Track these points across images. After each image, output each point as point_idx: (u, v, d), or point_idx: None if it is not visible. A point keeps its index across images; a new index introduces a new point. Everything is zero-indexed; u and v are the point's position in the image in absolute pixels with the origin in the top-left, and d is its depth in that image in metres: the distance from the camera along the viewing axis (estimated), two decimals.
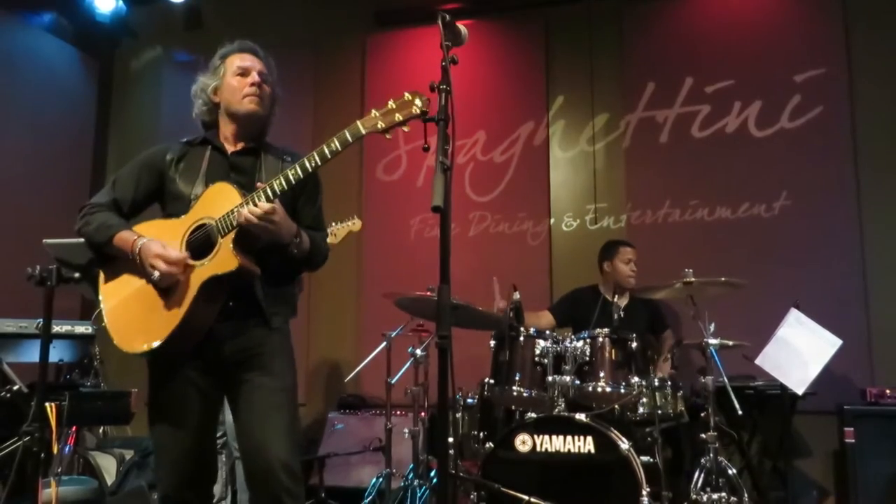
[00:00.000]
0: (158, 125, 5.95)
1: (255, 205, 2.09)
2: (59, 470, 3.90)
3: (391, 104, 2.05)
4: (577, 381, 3.42)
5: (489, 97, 5.24)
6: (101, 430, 4.93)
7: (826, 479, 4.33)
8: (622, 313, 3.59)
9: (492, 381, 3.55)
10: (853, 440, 3.82)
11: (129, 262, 2.22)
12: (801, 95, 4.65)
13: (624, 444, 3.14)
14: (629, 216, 4.89)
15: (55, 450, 3.59)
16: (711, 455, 3.40)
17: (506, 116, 5.21)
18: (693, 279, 3.53)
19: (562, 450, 3.22)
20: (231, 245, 2.12)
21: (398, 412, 4.28)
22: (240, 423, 2.24)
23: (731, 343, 3.58)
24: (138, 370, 5.83)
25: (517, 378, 3.47)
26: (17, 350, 3.89)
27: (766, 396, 4.07)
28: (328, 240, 3.44)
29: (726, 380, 3.43)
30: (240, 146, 2.38)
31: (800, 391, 3.59)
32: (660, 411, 3.45)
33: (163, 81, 6.02)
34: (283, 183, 2.12)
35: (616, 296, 4.06)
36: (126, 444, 4.61)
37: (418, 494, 3.81)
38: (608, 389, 3.41)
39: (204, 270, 2.14)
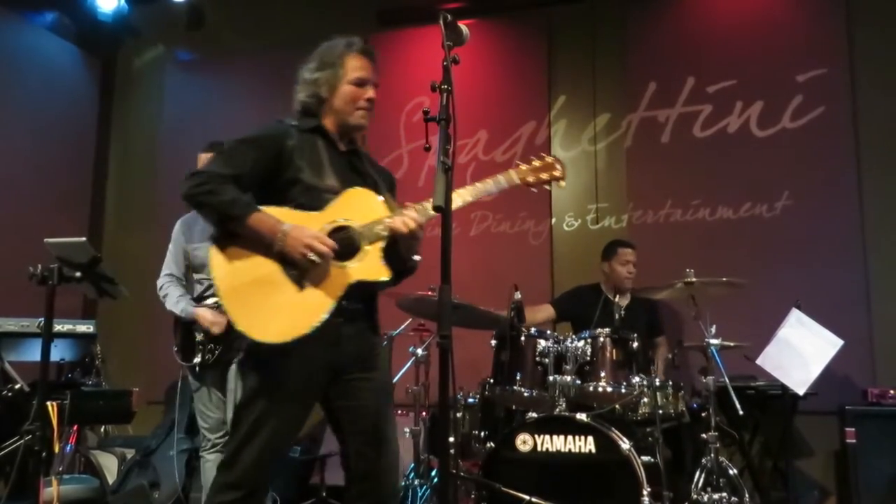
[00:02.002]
0: (160, 124, 5.96)
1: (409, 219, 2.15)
2: (61, 469, 3.91)
3: (536, 162, 2.34)
4: (578, 381, 3.42)
5: (491, 97, 5.24)
6: (102, 429, 4.94)
7: (827, 479, 4.32)
8: (623, 313, 3.59)
9: (493, 381, 3.55)
10: (854, 440, 3.82)
11: (253, 245, 2.15)
12: (802, 95, 4.65)
13: (625, 444, 3.14)
14: (630, 216, 4.89)
15: (56, 449, 3.59)
16: (712, 455, 3.40)
17: (507, 116, 5.21)
18: (694, 279, 3.53)
19: (563, 450, 3.22)
20: (380, 255, 2.17)
21: (399, 412, 4.27)
22: (356, 422, 2.22)
23: (732, 343, 3.58)
24: (139, 369, 5.87)
25: (518, 378, 3.48)
26: (19, 349, 3.90)
27: (767, 396, 4.07)
28: None
29: (727, 380, 3.43)
30: (343, 144, 2.38)
31: (801, 391, 3.59)
32: (661, 411, 3.45)
33: (165, 80, 6.04)
34: (431, 209, 2.15)
35: (617, 295, 4.07)
36: (127, 443, 4.63)
37: (419, 494, 3.81)
38: (609, 389, 3.41)
39: (352, 272, 2.15)
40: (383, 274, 2.16)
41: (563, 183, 2.34)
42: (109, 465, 4.38)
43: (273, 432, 2.12)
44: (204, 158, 3.56)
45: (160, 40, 6.09)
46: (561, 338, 3.53)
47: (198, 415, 3.52)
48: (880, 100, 4.54)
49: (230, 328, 3.30)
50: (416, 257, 2.29)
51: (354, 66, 2.36)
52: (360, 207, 2.22)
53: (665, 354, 4.19)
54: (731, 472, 3.43)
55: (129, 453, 4.46)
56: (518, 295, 3.55)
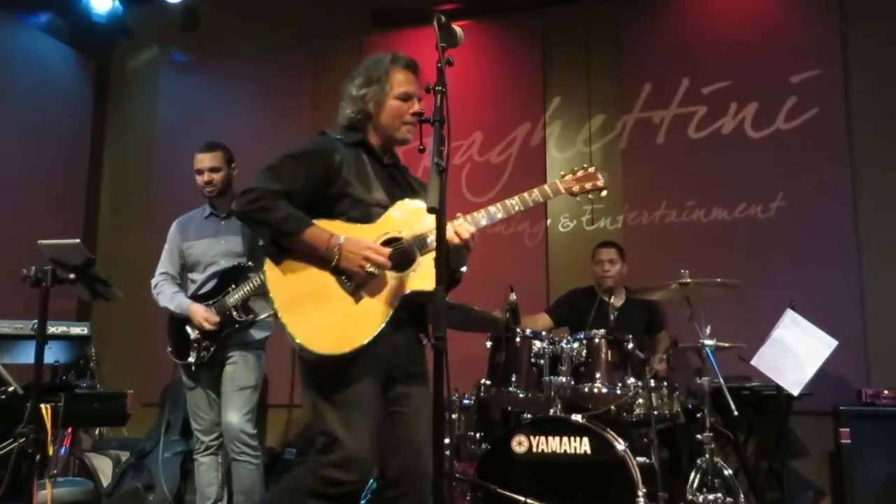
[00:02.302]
0: (155, 126, 5.95)
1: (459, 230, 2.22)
2: (55, 471, 3.89)
3: (580, 173, 2.41)
4: (574, 382, 3.42)
5: (486, 98, 5.25)
6: (96, 432, 4.92)
7: (822, 479, 4.33)
8: (617, 314, 3.60)
9: (488, 382, 3.55)
10: (849, 441, 3.82)
11: (308, 258, 2.20)
12: (797, 97, 4.66)
13: (620, 445, 3.14)
14: (626, 217, 4.90)
15: (50, 451, 3.58)
16: (707, 456, 3.41)
17: (503, 117, 5.21)
18: (689, 280, 3.54)
19: (558, 451, 3.22)
20: (432, 265, 2.15)
21: None
22: (396, 429, 2.28)
23: (726, 344, 3.58)
24: (134, 371, 5.84)
25: (513, 379, 3.48)
26: (13, 351, 3.89)
27: (762, 397, 4.08)
28: None
29: (722, 381, 3.43)
30: (386, 158, 2.43)
31: (795, 392, 3.59)
32: (656, 412, 3.45)
33: (160, 82, 6.03)
34: (488, 217, 2.29)
35: (612, 296, 4.07)
36: (122, 446, 4.61)
37: None
38: (604, 390, 3.41)
39: (407, 283, 2.21)
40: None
41: (605, 192, 2.42)
42: (104, 467, 4.36)
43: (367, 418, 2.18)
44: (200, 159, 3.57)
45: (155, 41, 6.08)
46: (556, 339, 3.54)
47: (191, 416, 3.52)
48: (874, 101, 4.55)
49: (223, 327, 3.35)
50: (463, 268, 2.37)
51: (400, 81, 2.37)
52: (410, 219, 2.28)
53: (668, 347, 4.18)
54: (726, 472, 3.44)
55: (124, 456, 4.45)
56: (513, 296, 3.55)
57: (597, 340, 3.49)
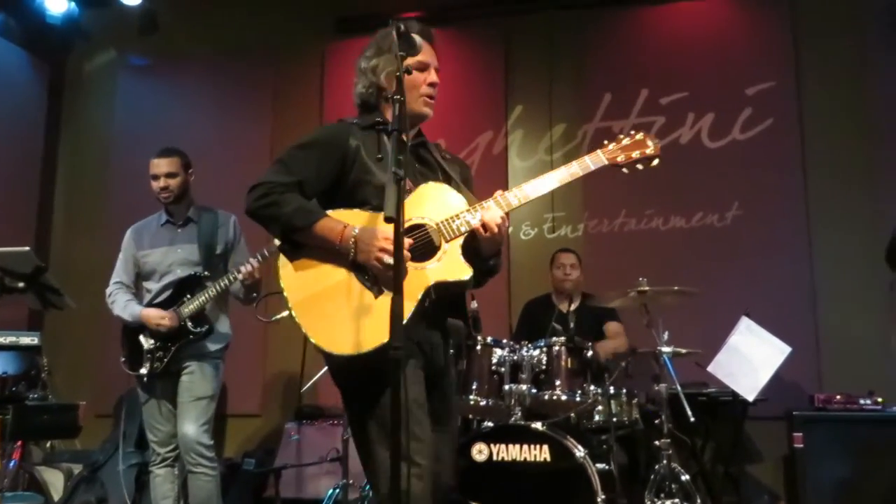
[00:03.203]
0: (112, 130, 5.83)
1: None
2: (3, 486, 3.78)
3: (625, 140, 2.16)
4: (534, 390, 3.44)
5: (448, 106, 5.22)
6: (48, 444, 4.79)
7: (777, 483, 4.41)
8: (576, 320, 3.63)
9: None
10: (802, 445, 3.90)
11: (322, 253, 2.02)
12: (752, 108, 4.77)
13: (579, 452, 3.17)
14: (586, 225, 4.94)
15: None
16: (665, 461, 3.45)
17: (465, 125, 5.22)
18: (647, 288, 3.58)
19: (518, 458, 3.23)
20: (459, 252, 2.02)
21: None
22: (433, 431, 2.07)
23: (683, 351, 3.64)
24: (88, 382, 5.69)
25: (474, 387, 3.48)
26: None
27: (718, 403, 4.14)
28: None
29: (679, 387, 3.48)
30: (410, 136, 2.16)
31: (750, 398, 3.66)
32: (615, 419, 3.48)
33: (117, 85, 5.91)
34: (520, 197, 2.06)
35: (569, 303, 4.09)
36: (74, 458, 4.50)
37: None
38: (564, 398, 3.44)
39: (430, 273, 2.00)
40: (464, 272, 2.01)
41: (656, 161, 2.17)
42: (55, 481, 4.25)
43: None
44: (156, 165, 3.51)
45: (112, 44, 5.96)
46: (517, 347, 3.55)
47: (146, 428, 3.45)
48: (825, 111, 4.69)
49: (179, 334, 3.29)
50: (495, 259, 2.16)
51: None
52: (436, 203, 2.07)
53: (622, 340, 4.19)
54: (683, 478, 3.48)
55: (76, 469, 4.35)
56: (475, 304, 3.56)
57: (557, 348, 3.51)
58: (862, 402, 3.92)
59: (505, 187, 2.15)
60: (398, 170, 1.75)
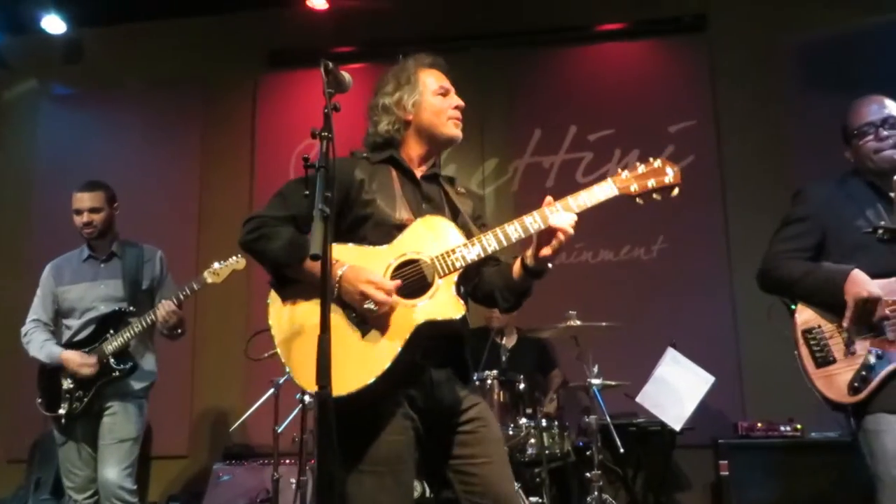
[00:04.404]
0: (34, 163, 5.63)
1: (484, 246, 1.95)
2: None
3: (641, 168, 2.02)
4: None
5: None
6: None
7: None
8: (509, 354, 3.65)
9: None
10: (727, 472, 4.00)
11: (311, 290, 1.93)
12: (674, 145, 4.96)
13: (512, 486, 3.16)
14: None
15: None
16: (596, 493, 3.48)
17: None
18: (576, 322, 3.64)
19: (451, 494, 3.20)
20: (453, 289, 1.94)
21: (287, 461, 4.15)
22: (478, 482, 1.97)
23: (613, 382, 3.70)
24: (0, 425, 5.32)
25: None
26: None
27: (647, 433, 4.22)
28: (209, 280, 3.35)
29: (609, 418, 3.54)
30: (422, 170, 2.18)
31: (677, 427, 3.74)
32: (547, 451, 3.50)
33: (39, 116, 5.72)
34: (521, 231, 1.98)
35: (504, 337, 4.12)
36: None
37: None
38: None
39: (419, 312, 1.91)
40: (456, 310, 1.92)
41: (676, 191, 2.02)
42: None
43: (388, 496, 1.88)
44: (79, 199, 3.40)
45: (34, 73, 5.79)
46: None
47: (63, 473, 3.29)
48: (742, 148, 4.92)
49: (102, 372, 3.17)
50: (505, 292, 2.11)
51: (429, 77, 2.22)
52: (433, 237, 2.00)
53: (559, 385, 4.26)
54: None
55: None
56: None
57: (489, 381, 3.52)
58: (782, 428, 4.06)
59: None
60: (324, 207, 1.74)
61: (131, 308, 3.29)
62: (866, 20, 4.91)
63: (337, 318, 1.92)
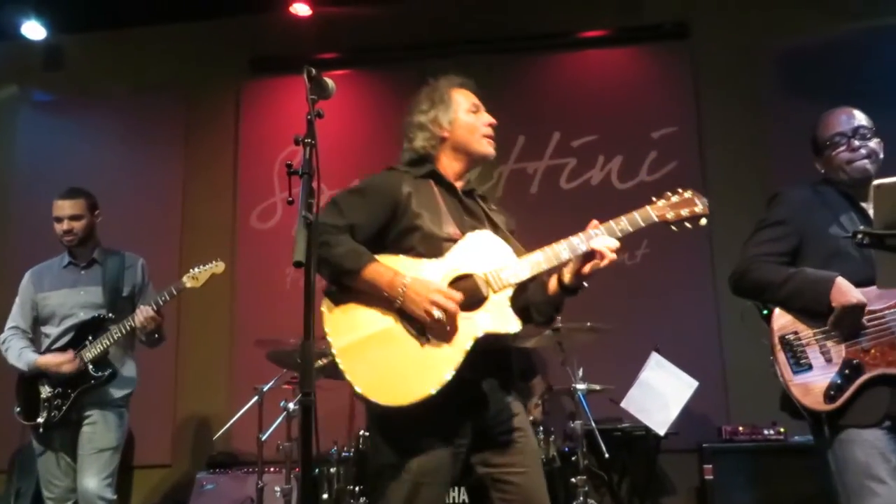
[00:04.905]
0: (13, 170, 5.57)
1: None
2: None
3: (674, 198, 2.18)
4: None
5: (365, 147, 5.25)
6: None
7: None
8: None
9: (368, 434, 3.49)
10: (712, 476, 4.01)
11: (368, 298, 2.01)
12: (657, 151, 4.99)
13: None
14: None
15: None
16: (581, 499, 3.48)
17: (382, 166, 5.21)
18: (561, 325, 3.65)
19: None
20: (509, 303, 2.02)
21: (271, 469, 4.11)
22: (513, 493, 2.04)
23: (598, 387, 3.71)
24: None
25: None
26: None
27: (632, 438, 4.23)
28: (188, 284, 3.33)
29: (594, 423, 3.54)
30: (460, 185, 2.27)
31: (662, 431, 3.75)
32: None
33: (18, 123, 5.66)
34: (570, 252, 2.11)
35: None
36: None
37: None
38: None
39: (479, 324, 1.99)
40: (513, 324, 2.02)
41: (704, 220, 2.19)
42: None
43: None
44: (59, 206, 3.38)
45: (14, 80, 5.73)
46: None
47: (42, 484, 3.25)
48: (724, 154, 4.95)
49: (80, 379, 3.13)
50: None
51: (461, 96, 2.34)
52: (484, 252, 2.11)
53: (543, 392, 4.26)
54: None
55: None
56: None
57: None
58: (766, 432, 4.08)
59: None
60: (308, 213, 1.74)
61: (111, 315, 3.26)
62: (848, 27, 4.97)
63: (396, 326, 2.00)
